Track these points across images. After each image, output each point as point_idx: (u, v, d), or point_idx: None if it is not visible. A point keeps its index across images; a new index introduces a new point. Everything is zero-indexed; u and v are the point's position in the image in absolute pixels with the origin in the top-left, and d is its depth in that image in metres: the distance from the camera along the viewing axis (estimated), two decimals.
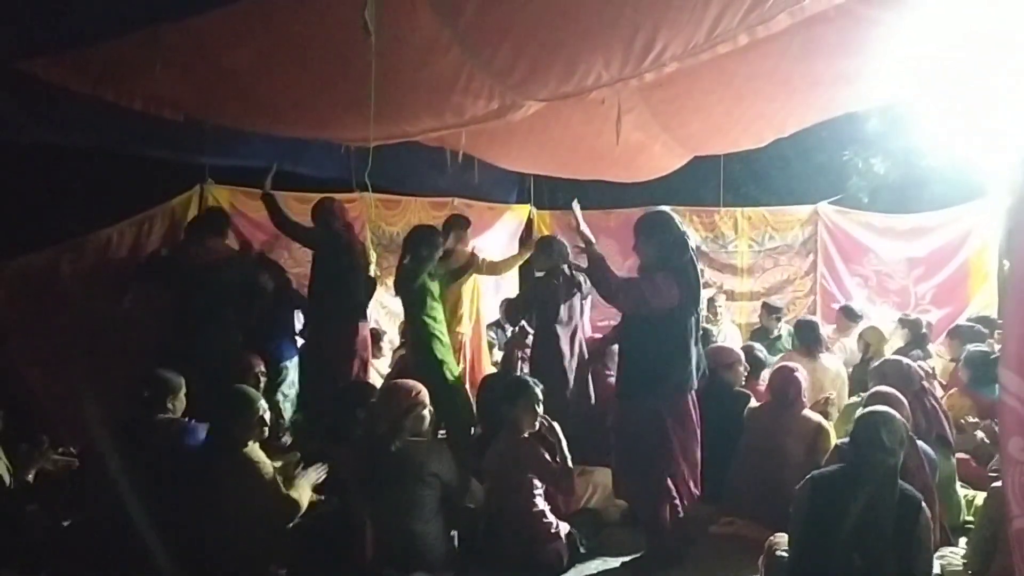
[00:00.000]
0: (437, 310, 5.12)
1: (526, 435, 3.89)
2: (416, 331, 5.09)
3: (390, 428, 3.52)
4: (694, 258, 3.93)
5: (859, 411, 3.30)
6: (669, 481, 3.86)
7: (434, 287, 5.12)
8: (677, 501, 3.89)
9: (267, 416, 3.55)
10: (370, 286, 5.59)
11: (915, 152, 9.22)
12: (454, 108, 4.71)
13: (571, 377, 5.06)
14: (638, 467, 3.92)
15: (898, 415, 3.19)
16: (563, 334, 5.11)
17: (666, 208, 4.20)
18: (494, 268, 6.16)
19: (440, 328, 5.08)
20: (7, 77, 4.30)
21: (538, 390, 3.92)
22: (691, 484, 3.97)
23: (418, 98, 4.60)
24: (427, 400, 3.63)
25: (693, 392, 3.97)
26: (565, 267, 5.19)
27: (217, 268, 5.05)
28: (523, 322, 5.57)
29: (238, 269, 5.23)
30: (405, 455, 3.49)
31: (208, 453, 3.50)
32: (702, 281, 4.06)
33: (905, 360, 4.62)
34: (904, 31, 4.43)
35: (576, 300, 5.22)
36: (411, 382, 3.73)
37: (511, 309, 5.54)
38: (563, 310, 5.12)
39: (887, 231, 8.42)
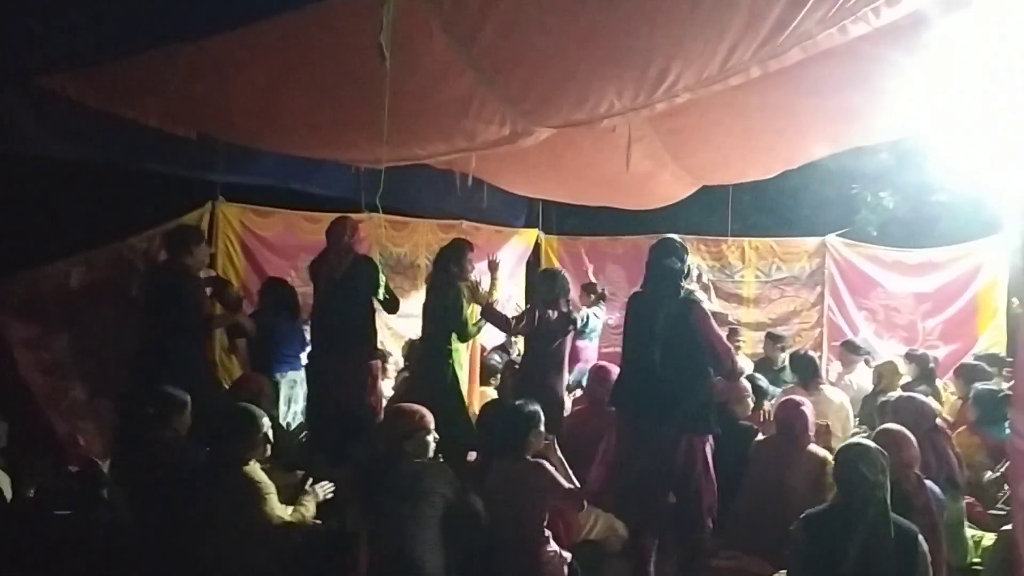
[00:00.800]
0: (473, 330, 5.15)
1: (530, 457, 3.87)
2: (439, 353, 5.08)
3: (391, 451, 3.50)
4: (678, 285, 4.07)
5: (837, 448, 3.28)
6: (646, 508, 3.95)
7: (460, 309, 5.14)
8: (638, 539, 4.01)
9: (270, 434, 3.54)
10: (392, 304, 5.36)
11: (925, 187, 9.22)
12: (466, 133, 4.73)
13: (559, 409, 5.09)
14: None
15: (874, 446, 3.19)
16: (552, 365, 5.16)
17: (674, 236, 4.30)
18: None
19: (459, 351, 5.11)
20: (26, 92, 4.35)
21: (540, 412, 3.93)
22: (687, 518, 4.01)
23: (430, 122, 4.62)
24: (431, 425, 3.60)
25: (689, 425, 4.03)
26: (563, 303, 5.24)
27: (168, 286, 4.88)
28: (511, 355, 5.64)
29: (186, 293, 4.94)
30: (410, 476, 3.46)
31: (208, 470, 3.48)
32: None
33: (919, 397, 4.55)
34: (913, 68, 4.44)
35: (568, 338, 5.27)
36: (415, 406, 3.70)
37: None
38: (556, 343, 5.16)
39: (895, 265, 8.39)
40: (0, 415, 3.77)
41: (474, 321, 5.28)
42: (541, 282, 5.50)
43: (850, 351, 7.05)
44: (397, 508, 3.40)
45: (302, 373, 5.56)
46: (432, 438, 3.60)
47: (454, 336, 5.17)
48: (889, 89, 4.81)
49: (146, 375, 4.47)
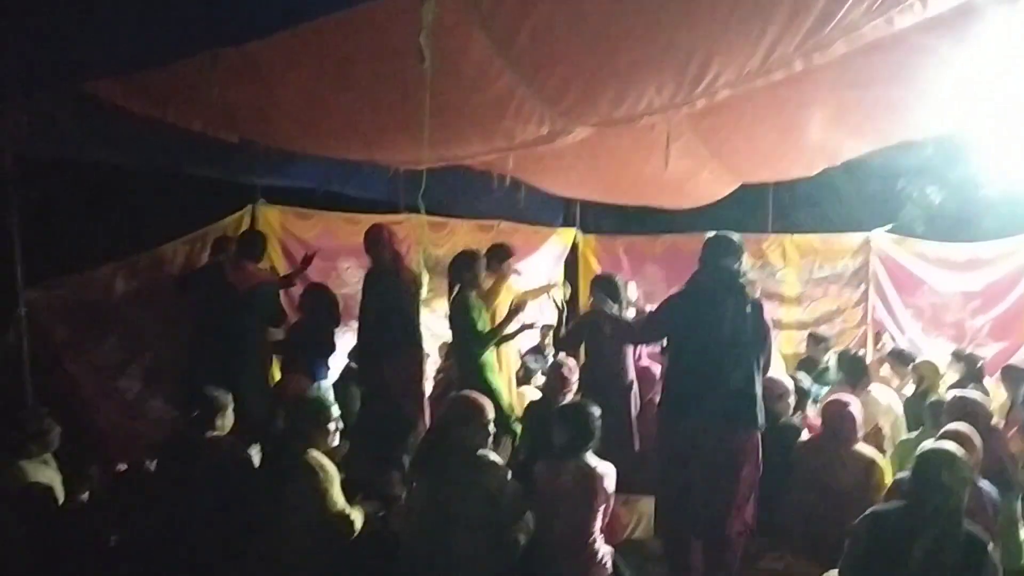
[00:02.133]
0: (487, 337, 5.12)
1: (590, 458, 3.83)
2: (468, 359, 5.09)
3: (445, 435, 3.52)
4: (729, 286, 3.93)
5: (921, 448, 3.18)
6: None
7: (485, 313, 5.12)
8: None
9: (340, 423, 3.63)
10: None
11: (972, 182, 8.97)
12: (504, 132, 4.72)
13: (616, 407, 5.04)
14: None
15: (961, 454, 3.06)
16: (611, 366, 5.12)
17: (728, 233, 4.16)
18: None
19: (492, 355, 5.10)
20: (70, 97, 4.43)
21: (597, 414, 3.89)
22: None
23: (469, 122, 4.63)
24: (491, 417, 3.63)
25: (742, 425, 3.92)
26: (617, 307, 5.17)
27: (252, 293, 5.13)
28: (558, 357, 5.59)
29: (269, 295, 5.30)
30: (458, 463, 3.48)
31: (275, 456, 3.54)
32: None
33: (971, 396, 4.42)
34: (960, 60, 4.34)
35: (626, 345, 5.21)
36: (480, 396, 3.71)
37: (560, 342, 5.61)
38: (614, 347, 5.13)
39: (942, 262, 8.17)
40: (52, 418, 3.84)
41: (489, 328, 5.18)
42: (597, 289, 5.29)
43: (900, 362, 6.56)
44: (441, 494, 3.42)
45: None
46: (491, 430, 3.62)
47: (479, 343, 5.11)
48: (935, 82, 4.70)
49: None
